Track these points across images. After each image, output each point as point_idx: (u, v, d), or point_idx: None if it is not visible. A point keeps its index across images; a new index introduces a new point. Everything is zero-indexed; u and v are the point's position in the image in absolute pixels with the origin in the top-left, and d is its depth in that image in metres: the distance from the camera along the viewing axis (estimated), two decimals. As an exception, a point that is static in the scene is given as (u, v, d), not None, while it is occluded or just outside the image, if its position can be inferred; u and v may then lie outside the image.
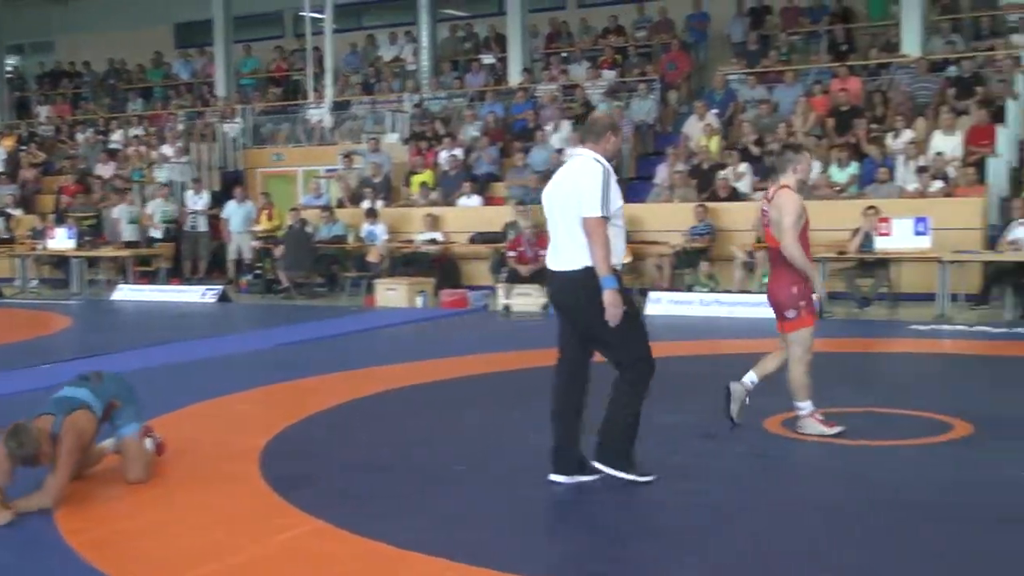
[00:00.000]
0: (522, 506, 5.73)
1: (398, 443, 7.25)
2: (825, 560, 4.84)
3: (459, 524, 5.44)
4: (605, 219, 5.77)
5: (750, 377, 7.31)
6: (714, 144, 17.94)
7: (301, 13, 24.37)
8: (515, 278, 15.42)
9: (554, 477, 6.01)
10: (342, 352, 11.73)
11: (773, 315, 7.22)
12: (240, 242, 19.76)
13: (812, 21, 21.31)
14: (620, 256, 5.92)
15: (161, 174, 21.92)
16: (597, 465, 5.91)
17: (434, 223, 18.03)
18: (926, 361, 10.62)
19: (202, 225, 20.26)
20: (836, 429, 7.04)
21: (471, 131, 20.69)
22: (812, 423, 7.08)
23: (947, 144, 16.10)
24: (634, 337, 5.92)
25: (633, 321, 5.91)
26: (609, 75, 21.49)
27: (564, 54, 23.27)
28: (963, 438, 7.00)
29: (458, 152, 19.88)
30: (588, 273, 5.75)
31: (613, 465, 5.88)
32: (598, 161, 5.98)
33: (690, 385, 9.09)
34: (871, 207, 14.20)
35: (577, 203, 5.81)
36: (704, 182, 17.05)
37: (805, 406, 7.09)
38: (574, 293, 5.87)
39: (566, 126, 19.70)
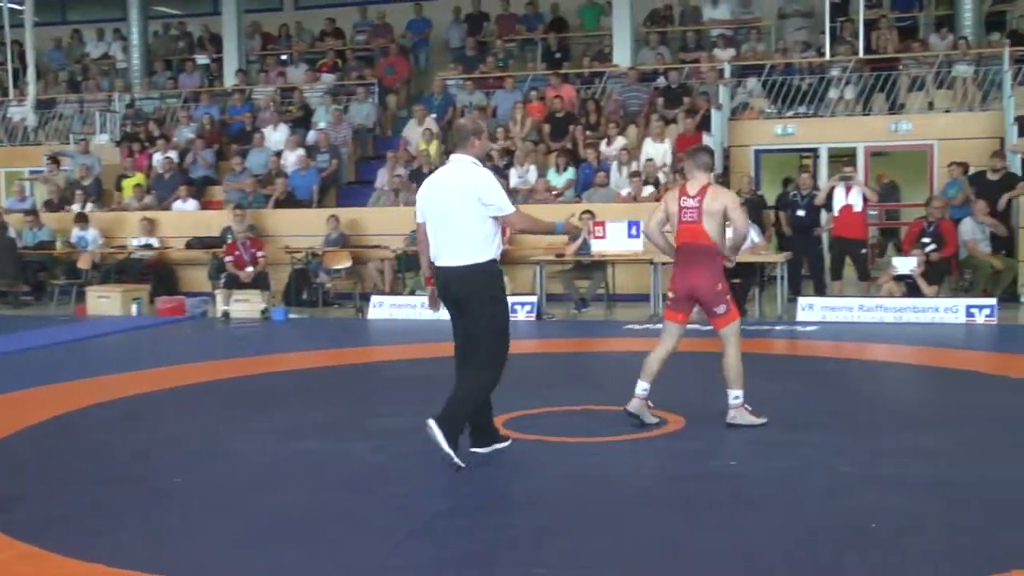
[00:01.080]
0: (243, 519, 5.60)
1: (112, 457, 6.96)
2: (540, 552, 4.93)
3: (178, 539, 5.26)
4: (517, 208, 6.57)
5: (641, 387, 7.42)
6: (434, 148, 18.08)
7: (-2, 3, 23.04)
8: (234, 283, 15.09)
9: (474, 450, 6.58)
10: (51, 364, 11.16)
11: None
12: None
13: (528, 29, 21.80)
14: (500, 248, 6.53)
15: None
16: (434, 425, 6.22)
17: (149, 228, 17.43)
18: (641, 359, 11.01)
19: None
20: (763, 420, 7.32)
21: (186, 133, 20.11)
22: (744, 413, 7.33)
23: (657, 151, 16.81)
24: (496, 337, 6.47)
25: (498, 320, 6.49)
26: (328, 78, 21.34)
27: (283, 56, 22.93)
28: (675, 432, 7.30)
29: (173, 155, 19.28)
30: (487, 267, 6.40)
31: (446, 436, 6.20)
32: (477, 164, 6.55)
33: (409, 388, 9.16)
34: (586, 211, 14.64)
35: (475, 204, 6.34)
36: (424, 186, 17.12)
37: (741, 395, 7.33)
38: (473, 284, 6.39)
39: (284, 129, 19.44)
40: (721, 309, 7.34)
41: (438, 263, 6.52)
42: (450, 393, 6.41)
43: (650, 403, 7.46)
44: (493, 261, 6.45)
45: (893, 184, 20.58)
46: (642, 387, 7.44)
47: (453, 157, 6.67)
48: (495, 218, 6.43)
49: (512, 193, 15.15)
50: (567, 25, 21.88)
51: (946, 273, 14.14)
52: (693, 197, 7.28)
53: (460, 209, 6.40)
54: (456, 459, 6.20)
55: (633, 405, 7.43)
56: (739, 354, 7.39)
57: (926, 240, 13.98)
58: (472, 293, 6.41)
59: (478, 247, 6.38)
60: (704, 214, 7.26)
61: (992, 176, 14.82)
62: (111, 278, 16.88)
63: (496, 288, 6.51)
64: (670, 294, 7.48)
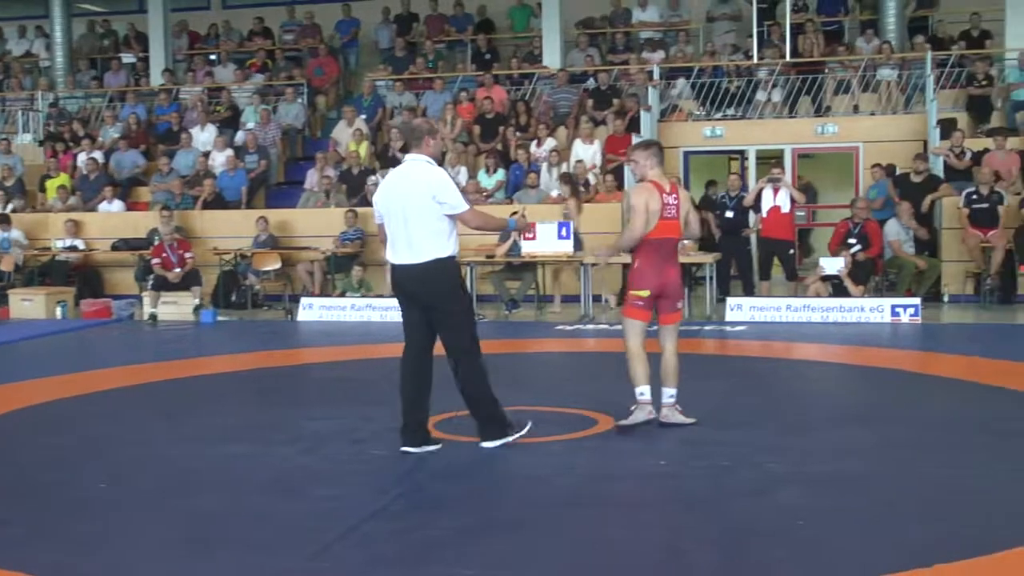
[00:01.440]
0: (169, 524, 5.51)
1: (33, 464, 6.83)
2: (469, 553, 4.91)
3: (101, 546, 5.17)
4: (471, 207, 6.80)
5: (668, 393, 7.29)
6: (363, 150, 18.00)
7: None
8: (162, 285, 14.89)
9: (406, 449, 6.70)
10: (-30, 368, 10.93)
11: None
12: None
13: (457, 30, 21.76)
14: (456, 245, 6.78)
15: None
16: (488, 445, 6.74)
17: (74, 229, 17.15)
18: (572, 360, 11.08)
19: None
20: (692, 420, 7.32)
21: (111, 133, 19.83)
22: (675, 413, 7.31)
23: (587, 152, 16.87)
24: (471, 322, 6.91)
25: (470, 308, 7.05)
26: (257, 78, 21.15)
27: (211, 56, 22.68)
28: (606, 432, 7.31)
29: (98, 155, 19.00)
30: (446, 262, 6.66)
31: (499, 436, 6.76)
32: (431, 163, 6.78)
33: (339, 390, 9.11)
34: (515, 212, 14.63)
35: (430, 203, 6.57)
36: (354, 187, 17.08)
37: (675, 393, 7.31)
38: (434, 281, 6.65)
39: (211, 129, 19.24)
40: (680, 304, 7.47)
41: (394, 260, 6.75)
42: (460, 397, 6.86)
43: (678, 406, 7.37)
44: (452, 257, 6.71)
45: (809, 185, 20.79)
46: (668, 394, 7.33)
47: (408, 157, 6.88)
48: (450, 216, 6.63)
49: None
50: (495, 27, 21.88)
51: (872, 273, 14.34)
52: (670, 194, 7.25)
53: (416, 207, 6.61)
54: (522, 431, 6.84)
55: (664, 415, 7.33)
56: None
57: (852, 241, 14.17)
58: (435, 290, 6.68)
59: (435, 244, 6.62)
60: (680, 210, 7.28)
61: (916, 178, 15.05)
62: (35, 281, 16.59)
63: (456, 279, 6.81)
64: (643, 293, 7.22)
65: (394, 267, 6.79)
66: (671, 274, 7.31)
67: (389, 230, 6.79)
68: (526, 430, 6.89)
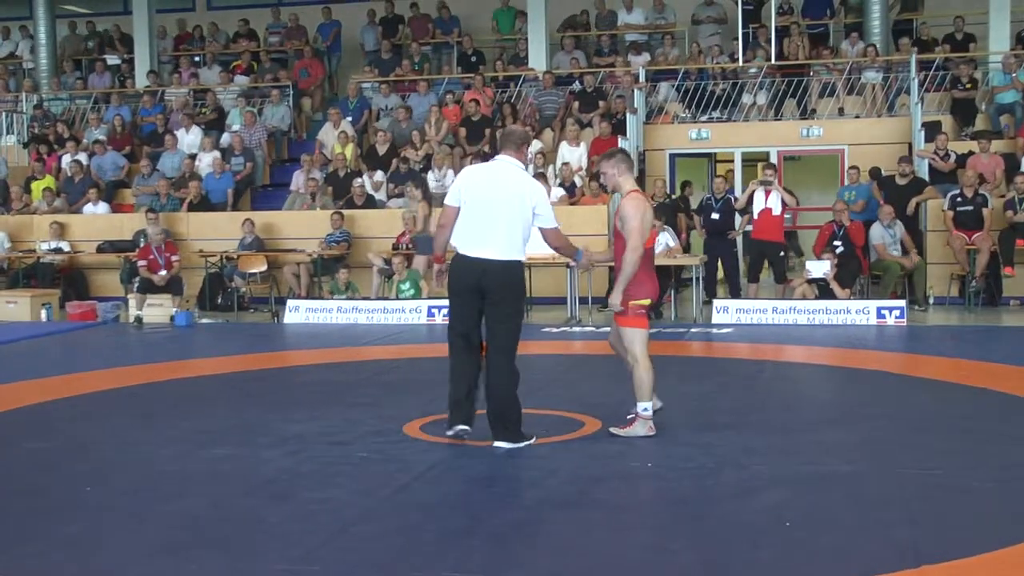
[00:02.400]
0: (153, 528, 5.48)
1: (18, 467, 6.81)
2: (454, 556, 4.90)
3: (86, 550, 5.15)
4: (559, 226, 7.21)
5: (655, 405, 7.22)
6: (349, 151, 17.98)
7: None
8: (148, 288, 14.85)
9: (461, 427, 6.97)
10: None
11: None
12: None
13: (443, 33, 21.74)
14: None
15: None
16: (502, 445, 6.86)
17: (59, 232, 17.09)
18: (559, 362, 11.07)
19: None
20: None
21: (96, 135, 19.76)
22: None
23: (573, 155, 16.88)
24: (521, 326, 7.15)
25: (523, 312, 7.30)
26: (242, 80, 21.11)
27: (196, 57, 22.63)
28: (593, 434, 7.32)
29: (82, 157, 18.94)
30: (521, 265, 7.00)
31: (516, 440, 6.91)
32: (525, 170, 7.14)
33: (324, 393, 9.10)
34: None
35: (527, 210, 6.92)
36: (340, 189, 17.06)
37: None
38: (511, 279, 6.92)
39: (196, 131, 19.19)
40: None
41: (472, 254, 6.89)
42: (479, 391, 7.01)
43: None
44: (521, 262, 7.04)
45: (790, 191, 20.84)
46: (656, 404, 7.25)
47: (501, 157, 7.12)
48: (539, 227, 7.05)
49: (435, 198, 15.17)
50: (481, 29, 21.86)
51: (858, 276, 14.38)
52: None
53: (514, 209, 6.90)
54: (530, 441, 6.95)
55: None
56: None
57: (837, 243, 14.20)
58: (508, 286, 6.92)
59: (519, 247, 6.95)
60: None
61: (900, 181, 15.10)
62: (20, 283, 16.53)
63: (524, 283, 7.18)
64: (646, 302, 7.15)
65: (465, 258, 6.90)
66: (657, 282, 7.37)
67: (470, 221, 6.92)
68: (533, 440, 6.99)
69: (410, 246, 15.16)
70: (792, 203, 14.80)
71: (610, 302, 7.10)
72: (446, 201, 7.10)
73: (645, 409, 7.10)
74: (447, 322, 7.41)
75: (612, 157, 7.28)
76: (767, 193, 14.48)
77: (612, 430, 7.21)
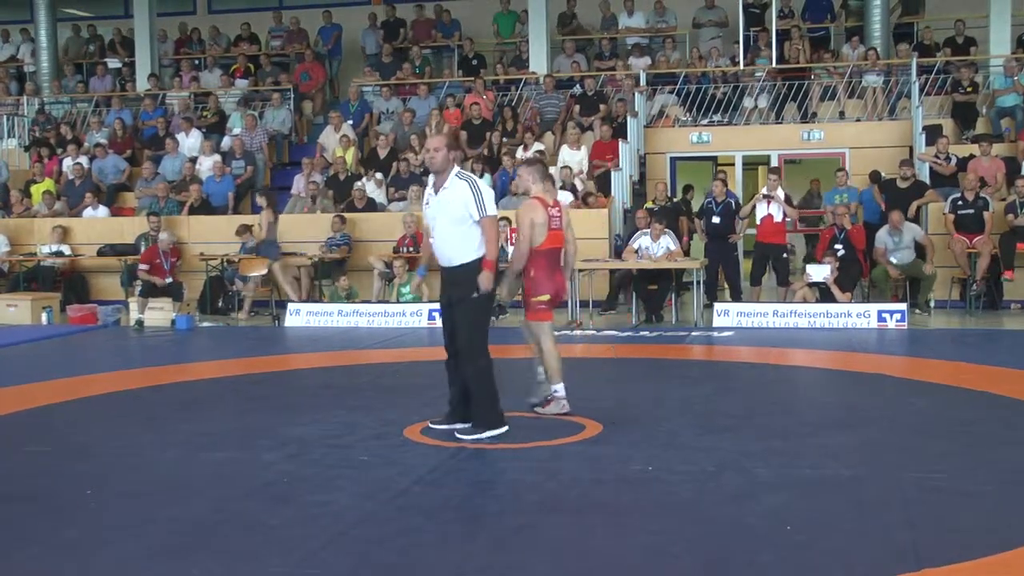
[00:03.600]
0: (154, 531, 5.48)
1: (18, 470, 6.80)
2: (455, 560, 4.90)
3: (87, 553, 5.15)
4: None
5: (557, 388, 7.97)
6: (350, 155, 17.99)
7: None
8: (150, 291, 14.85)
9: (460, 431, 7.32)
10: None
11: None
12: None
13: (444, 36, 21.75)
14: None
15: None
16: (465, 437, 7.18)
17: (60, 235, 17.09)
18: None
19: None
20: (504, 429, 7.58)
21: (97, 138, 19.77)
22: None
23: (573, 158, 16.88)
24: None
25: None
26: (242, 84, 21.12)
27: (197, 61, 22.64)
28: (593, 437, 7.32)
29: (83, 160, 18.95)
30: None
31: (471, 433, 7.23)
32: None
33: (325, 396, 9.09)
34: (503, 218, 14.62)
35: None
36: (341, 193, 17.07)
37: (560, 388, 7.98)
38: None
39: (197, 135, 19.20)
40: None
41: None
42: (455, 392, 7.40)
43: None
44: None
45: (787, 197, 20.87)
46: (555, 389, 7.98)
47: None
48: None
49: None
50: (482, 32, 21.87)
51: (858, 279, 14.37)
52: (554, 207, 7.89)
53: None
54: (498, 431, 7.25)
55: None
56: None
57: (838, 247, 14.20)
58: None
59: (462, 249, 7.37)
60: (563, 222, 7.99)
61: (901, 184, 15.10)
62: (20, 286, 16.54)
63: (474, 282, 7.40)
64: (544, 297, 7.89)
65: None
66: (560, 279, 8.03)
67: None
68: (486, 435, 7.24)
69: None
70: (793, 216, 14.87)
71: (498, 294, 7.93)
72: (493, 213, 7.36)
73: (556, 390, 7.91)
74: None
75: (531, 165, 8.13)
76: (768, 203, 14.56)
77: (536, 409, 7.98)
